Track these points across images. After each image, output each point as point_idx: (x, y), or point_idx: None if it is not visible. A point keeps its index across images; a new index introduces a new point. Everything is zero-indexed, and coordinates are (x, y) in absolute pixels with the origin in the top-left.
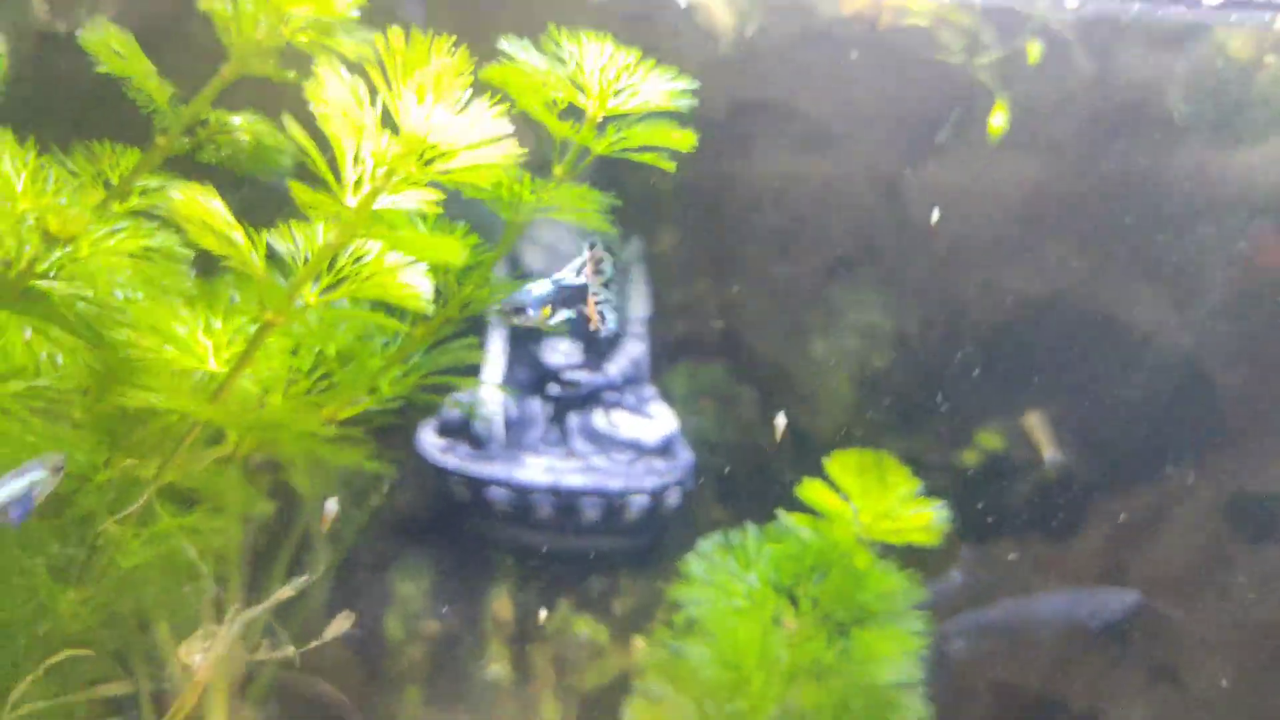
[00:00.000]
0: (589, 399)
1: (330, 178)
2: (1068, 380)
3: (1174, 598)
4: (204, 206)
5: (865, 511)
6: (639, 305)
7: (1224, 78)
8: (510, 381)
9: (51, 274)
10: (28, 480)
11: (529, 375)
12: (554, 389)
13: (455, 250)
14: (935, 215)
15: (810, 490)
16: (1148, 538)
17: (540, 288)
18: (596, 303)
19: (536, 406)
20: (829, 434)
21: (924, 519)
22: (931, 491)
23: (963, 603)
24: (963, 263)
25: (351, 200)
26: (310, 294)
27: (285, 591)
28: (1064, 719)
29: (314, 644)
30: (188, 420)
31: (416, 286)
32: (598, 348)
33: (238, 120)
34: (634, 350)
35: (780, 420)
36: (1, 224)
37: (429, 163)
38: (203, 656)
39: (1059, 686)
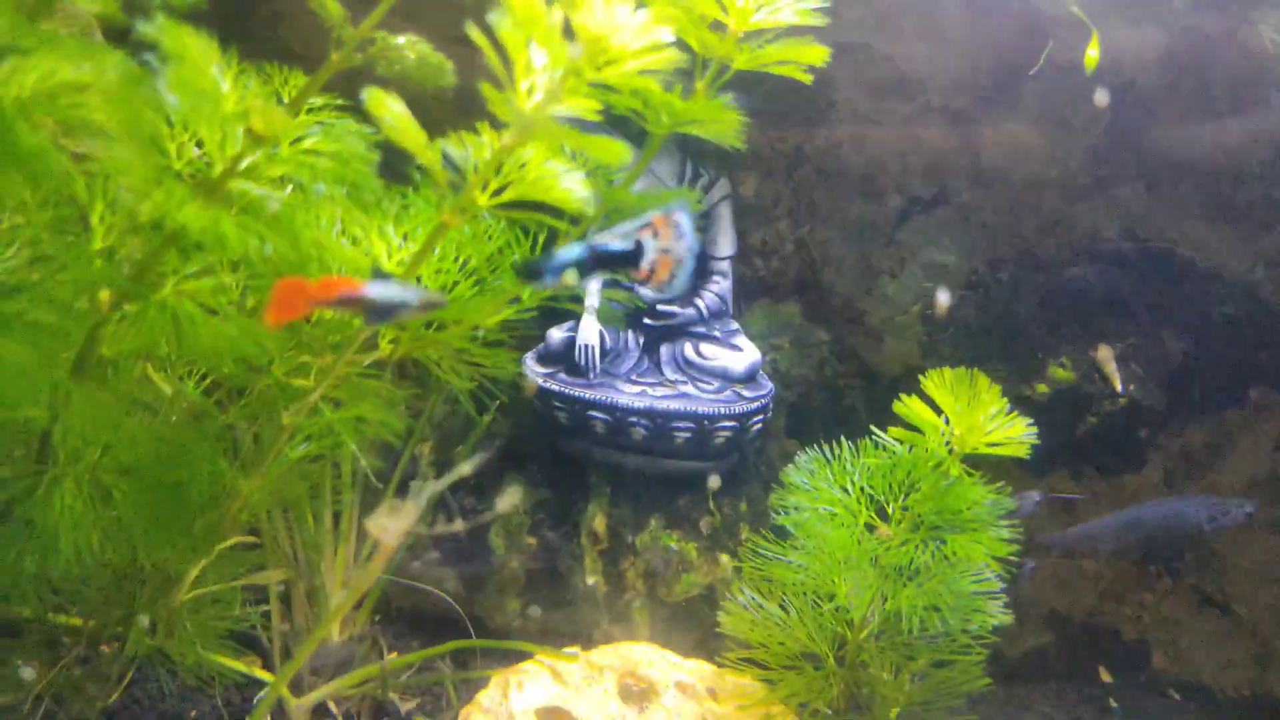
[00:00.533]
0: (679, 331)
1: (502, 87)
2: (1137, 316)
3: (1233, 532)
4: (396, 106)
5: (958, 425)
6: (724, 245)
7: None
8: (608, 314)
9: (255, 171)
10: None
11: (624, 308)
12: (648, 321)
13: (621, 152)
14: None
15: (907, 407)
16: (1208, 468)
17: (568, 252)
18: (670, 264)
19: (631, 337)
20: (898, 371)
21: (1014, 432)
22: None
23: (1041, 522)
24: (1034, 201)
25: (526, 106)
26: (482, 197)
27: (464, 468)
28: (1118, 649)
29: (488, 516)
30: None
31: (575, 190)
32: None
33: (401, 40)
34: (720, 286)
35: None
36: (210, 124)
37: (600, 67)
38: (390, 529)
39: (1106, 613)
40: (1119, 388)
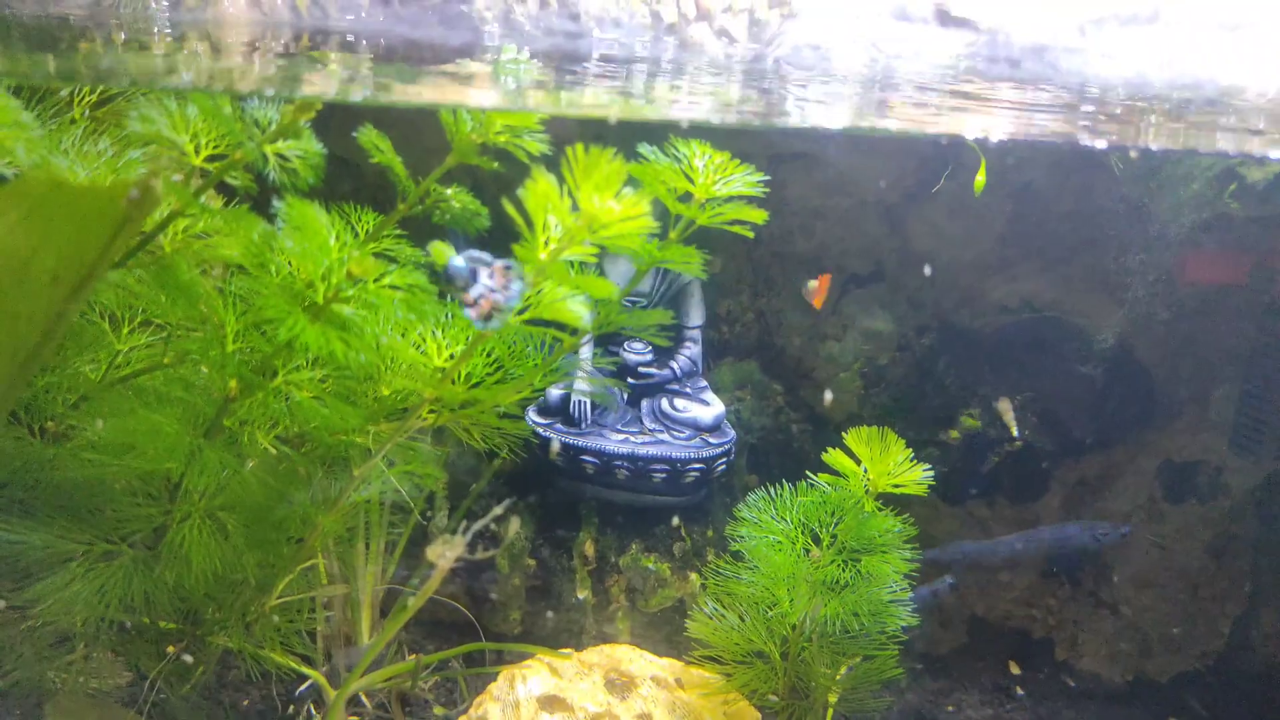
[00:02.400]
0: (657, 388)
1: (526, 239)
2: (1033, 372)
3: (1118, 547)
4: (448, 251)
5: (872, 471)
6: (695, 316)
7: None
8: (597, 376)
9: (349, 299)
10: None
11: (611, 371)
12: (631, 380)
13: (609, 288)
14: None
15: (832, 457)
16: (1097, 498)
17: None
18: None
19: (616, 394)
20: (841, 418)
21: (914, 475)
22: (925, 460)
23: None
24: (951, 279)
25: (543, 255)
26: (512, 317)
27: (497, 510)
28: (1026, 645)
29: (498, 548)
30: (420, 396)
31: (577, 311)
32: (664, 350)
33: (449, 192)
34: (691, 350)
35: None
36: (318, 266)
37: (595, 231)
38: (447, 555)
39: (1022, 616)
40: (1014, 433)
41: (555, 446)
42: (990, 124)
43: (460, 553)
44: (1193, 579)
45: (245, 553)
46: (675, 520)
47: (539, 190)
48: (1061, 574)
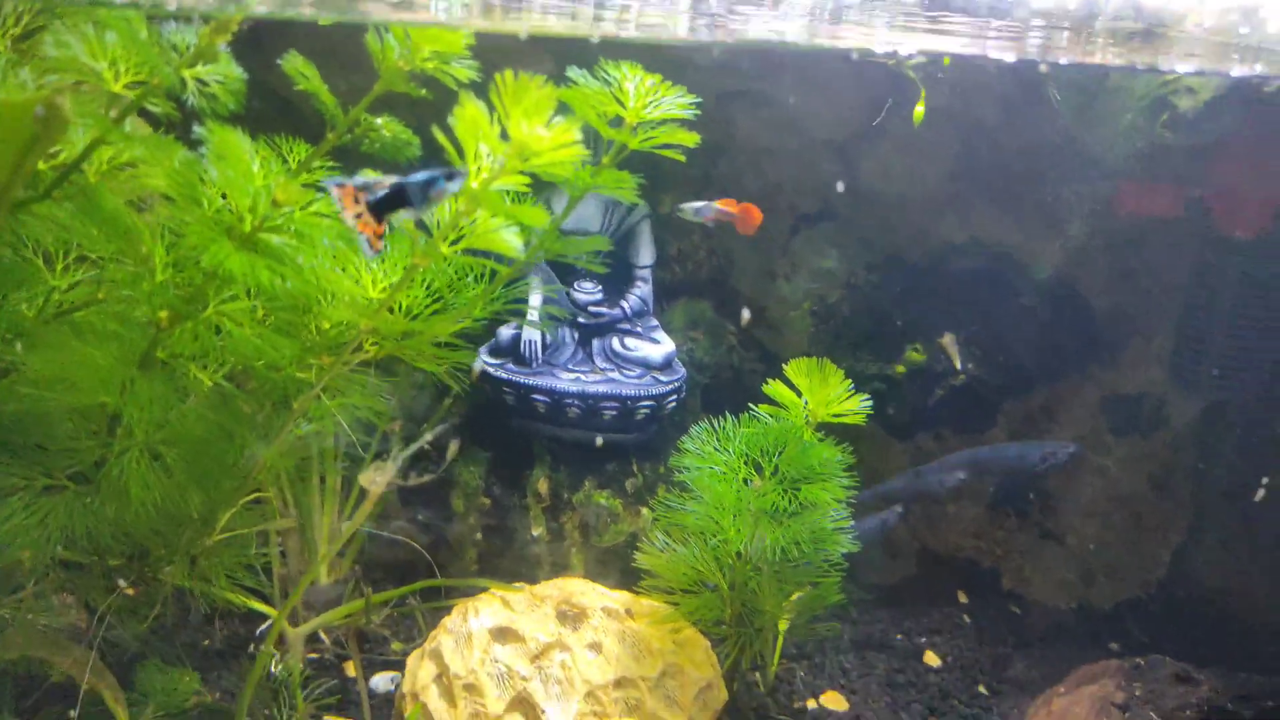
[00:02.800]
0: (608, 328)
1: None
2: (978, 307)
3: (1061, 477)
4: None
5: (812, 401)
6: (645, 256)
7: (1086, 74)
8: (545, 315)
9: (277, 228)
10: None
11: (564, 306)
12: (581, 320)
13: (541, 217)
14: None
15: (773, 388)
16: (1042, 431)
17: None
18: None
19: (567, 333)
20: (791, 355)
21: (853, 404)
22: (872, 395)
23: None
24: (899, 217)
25: (475, 184)
26: (444, 246)
27: (428, 435)
28: (974, 575)
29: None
30: (355, 329)
31: (510, 241)
32: (615, 288)
33: (379, 121)
34: (641, 290)
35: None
36: (244, 194)
37: (526, 159)
38: (378, 480)
39: (970, 548)
40: (958, 365)
41: (476, 368)
42: (940, 44)
43: (391, 477)
44: (1135, 509)
45: (187, 488)
46: (630, 456)
47: (467, 116)
48: (1009, 507)
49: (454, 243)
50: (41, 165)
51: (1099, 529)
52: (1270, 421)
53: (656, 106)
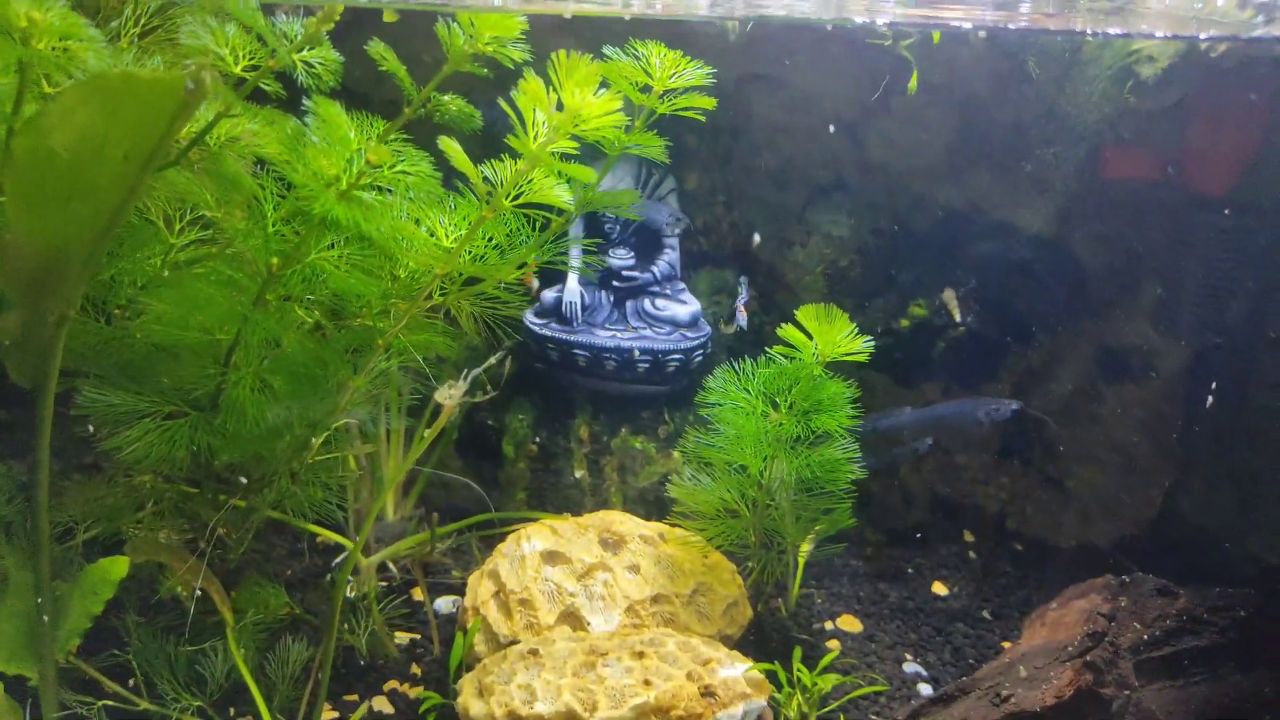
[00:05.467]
0: (640, 290)
1: (519, 133)
2: (977, 266)
3: (1059, 421)
4: (457, 146)
5: (820, 342)
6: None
7: (1062, 48)
8: (585, 279)
9: (368, 185)
10: None
11: (599, 274)
12: (616, 284)
13: (590, 174)
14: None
15: (786, 331)
16: (1041, 381)
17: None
18: None
19: (603, 296)
20: None
21: (855, 344)
22: (881, 347)
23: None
24: (904, 186)
25: (534, 147)
26: (506, 201)
27: (490, 362)
28: (981, 518)
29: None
30: (428, 276)
31: (562, 195)
32: (646, 255)
33: (446, 98)
34: (670, 256)
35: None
36: (341, 156)
37: (578, 124)
38: (452, 395)
39: (975, 493)
40: (957, 318)
41: (548, 342)
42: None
43: (462, 392)
44: (1129, 453)
45: (290, 410)
46: (660, 406)
47: (530, 89)
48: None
49: (514, 199)
50: None
51: (1096, 473)
52: (1244, 363)
53: (680, 76)
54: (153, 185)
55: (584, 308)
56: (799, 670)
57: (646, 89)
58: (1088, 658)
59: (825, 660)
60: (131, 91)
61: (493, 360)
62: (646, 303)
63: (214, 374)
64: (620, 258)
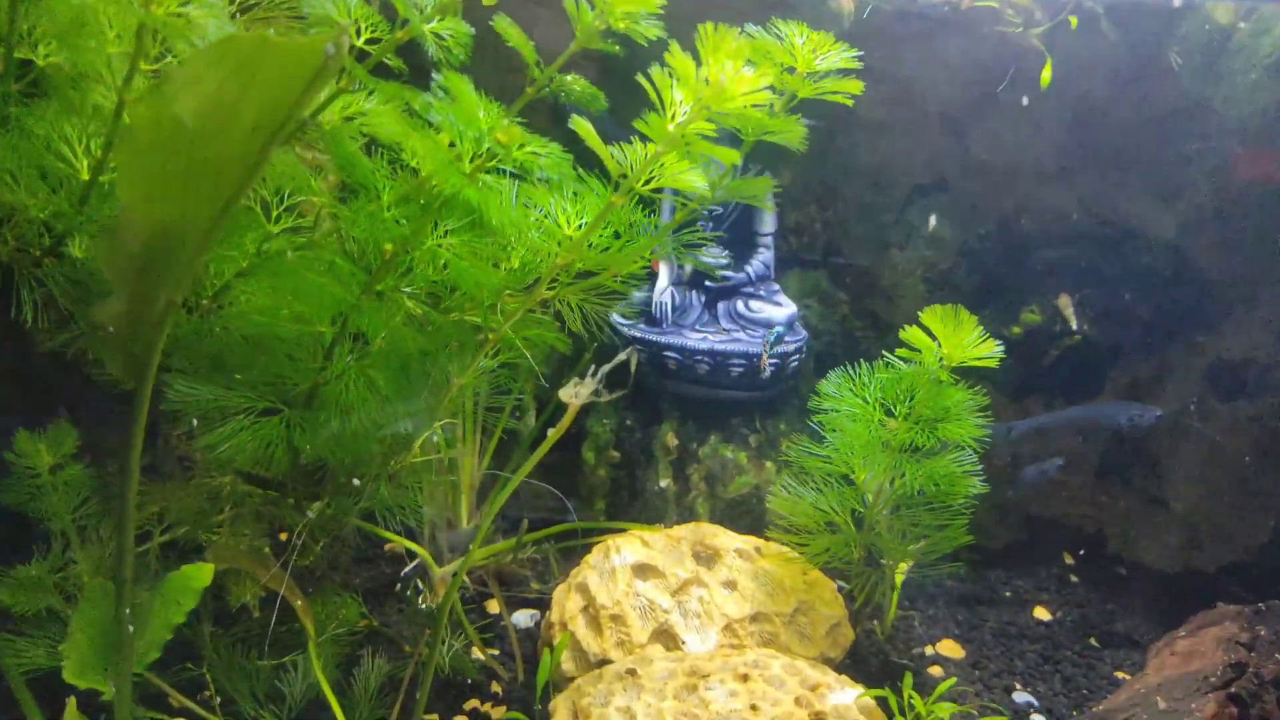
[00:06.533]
0: (732, 291)
1: (655, 113)
2: (1090, 272)
3: (1167, 440)
4: (589, 127)
5: (946, 345)
6: (768, 223)
7: (1210, 36)
8: (678, 278)
9: (497, 167)
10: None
11: (692, 272)
12: (708, 283)
13: (734, 156)
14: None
15: (909, 334)
16: (1150, 394)
17: None
18: None
19: (693, 296)
20: (904, 322)
21: (986, 349)
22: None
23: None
24: (1011, 185)
25: (671, 128)
26: (639, 185)
27: (606, 367)
28: (1080, 537)
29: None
30: (543, 267)
31: (695, 181)
32: (740, 255)
33: (570, 77)
34: (764, 255)
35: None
36: (470, 135)
37: (724, 103)
38: (580, 394)
39: (1073, 512)
40: (1073, 325)
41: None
42: None
43: (591, 391)
44: (1240, 474)
45: (395, 406)
46: (753, 413)
47: (677, 64)
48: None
49: (646, 183)
50: None
51: (1204, 494)
52: None
53: (825, 59)
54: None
55: (674, 308)
56: (911, 697)
57: (790, 69)
58: (1231, 689)
59: (941, 688)
60: (267, 57)
61: (622, 356)
62: (740, 304)
63: (314, 368)
64: (714, 256)
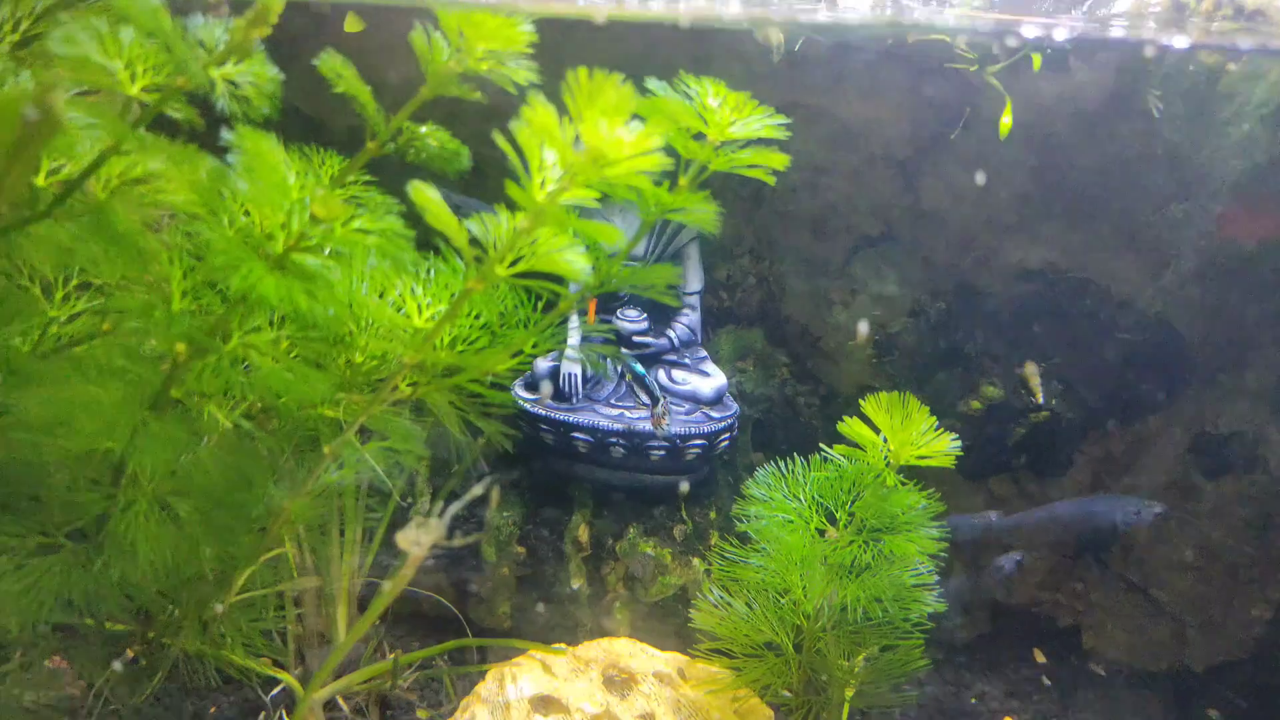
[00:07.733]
0: (654, 359)
1: (521, 179)
2: (1057, 337)
3: (1148, 528)
4: (434, 195)
5: (893, 441)
6: (694, 281)
7: (1194, 79)
8: (590, 344)
9: (314, 247)
10: None
11: (606, 339)
12: (625, 351)
13: (616, 235)
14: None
15: (848, 427)
16: (1126, 472)
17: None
18: None
19: (610, 365)
20: (852, 390)
21: (940, 445)
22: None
23: (996, 538)
24: (968, 239)
25: (540, 197)
26: (501, 269)
27: (476, 490)
28: (1052, 630)
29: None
30: (391, 364)
31: (576, 263)
32: (661, 316)
33: (424, 129)
34: (690, 318)
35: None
36: (278, 208)
37: (602, 168)
38: (421, 542)
39: (1047, 601)
40: (1040, 399)
41: (541, 422)
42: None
43: (436, 538)
44: (1231, 560)
45: (201, 544)
46: (680, 500)
47: (537, 120)
48: (1086, 558)
49: (512, 264)
50: (42, 181)
51: (1190, 583)
52: None
53: (745, 124)
54: (17, 242)
55: (585, 380)
56: None
57: (699, 137)
58: None
59: None
60: None
61: (478, 490)
62: (662, 374)
63: (96, 498)
64: (631, 320)
